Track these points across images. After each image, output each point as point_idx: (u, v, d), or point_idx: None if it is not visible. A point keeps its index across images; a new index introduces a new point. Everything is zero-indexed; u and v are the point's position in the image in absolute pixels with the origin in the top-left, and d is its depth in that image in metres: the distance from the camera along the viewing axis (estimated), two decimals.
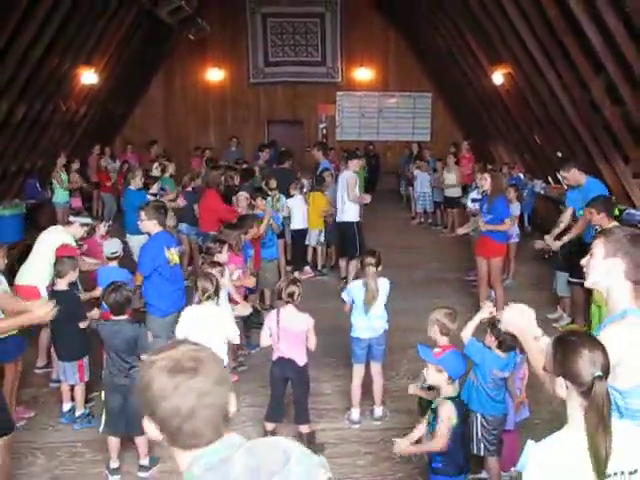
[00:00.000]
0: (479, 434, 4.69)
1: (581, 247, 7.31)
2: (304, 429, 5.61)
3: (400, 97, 20.57)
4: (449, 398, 4.31)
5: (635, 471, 2.40)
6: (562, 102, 11.27)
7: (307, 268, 10.83)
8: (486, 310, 4.45)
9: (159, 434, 1.83)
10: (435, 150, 17.48)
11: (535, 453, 2.45)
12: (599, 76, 9.78)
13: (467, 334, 4.62)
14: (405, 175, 17.30)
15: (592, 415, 2.38)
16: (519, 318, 3.20)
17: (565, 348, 2.52)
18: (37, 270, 6.61)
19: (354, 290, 6.07)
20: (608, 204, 7.07)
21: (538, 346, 3.05)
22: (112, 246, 6.86)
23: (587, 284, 3.30)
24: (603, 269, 3.09)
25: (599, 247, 3.12)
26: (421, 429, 4.53)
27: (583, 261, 3.23)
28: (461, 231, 9.30)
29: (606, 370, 2.45)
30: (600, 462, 2.32)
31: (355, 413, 6.24)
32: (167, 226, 7.33)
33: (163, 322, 6.34)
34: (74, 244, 6.99)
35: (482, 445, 4.71)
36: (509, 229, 8.93)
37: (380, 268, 6.04)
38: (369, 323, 6.05)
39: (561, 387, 2.51)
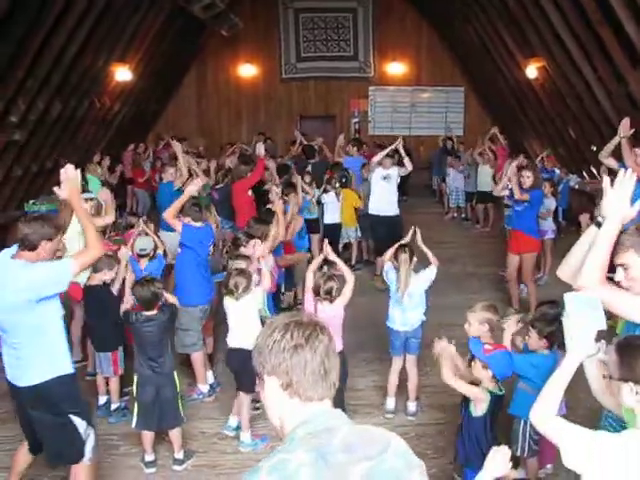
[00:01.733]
0: (526, 437, 4.65)
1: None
2: None
3: (433, 91, 20.45)
4: (490, 392, 4.28)
5: None
6: (598, 96, 11.11)
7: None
8: (513, 325, 4.52)
9: (280, 391, 1.91)
10: (467, 144, 17.33)
11: (602, 456, 2.41)
12: (637, 69, 9.62)
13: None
14: (438, 169, 17.16)
15: None
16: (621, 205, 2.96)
17: (632, 352, 2.47)
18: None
19: (389, 276, 6.13)
20: None
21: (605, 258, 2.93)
22: (142, 243, 6.81)
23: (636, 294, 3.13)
24: None
25: (633, 258, 3.02)
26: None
27: (617, 277, 3.09)
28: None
29: None
30: None
31: (390, 402, 6.26)
32: (213, 218, 7.44)
33: (192, 313, 6.41)
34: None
35: (526, 446, 4.67)
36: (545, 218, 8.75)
37: (415, 259, 6.03)
38: (404, 317, 6.06)
39: (630, 392, 2.45)
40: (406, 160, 10.16)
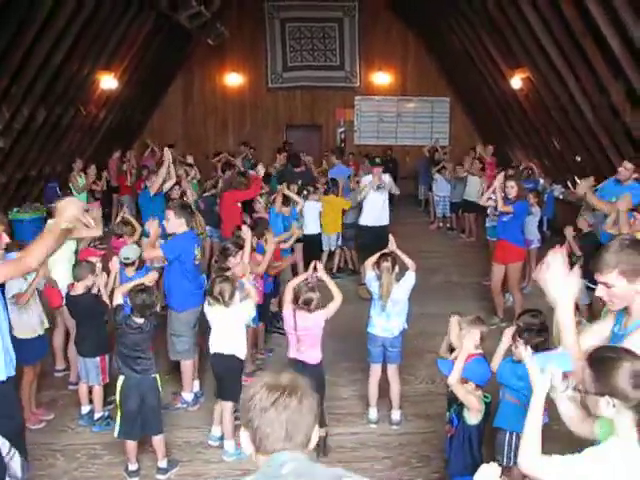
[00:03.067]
0: (512, 447, 4.66)
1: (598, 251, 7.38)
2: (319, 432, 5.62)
3: (418, 101, 20.51)
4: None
5: None
6: (581, 107, 11.22)
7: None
8: (507, 338, 4.56)
9: (250, 445, 2.07)
10: (453, 155, 17.44)
11: (585, 469, 2.44)
12: (618, 80, 9.72)
13: (495, 365, 4.62)
14: (425, 179, 17.24)
15: None
16: (562, 283, 2.98)
17: (605, 366, 2.49)
18: (58, 271, 6.65)
19: (371, 283, 6.13)
20: None
21: (574, 336, 2.94)
22: (127, 252, 6.79)
23: (616, 308, 3.19)
24: (632, 292, 3.04)
25: (617, 278, 3.03)
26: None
27: (598, 292, 3.12)
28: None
29: None
30: None
31: (372, 412, 6.28)
32: (198, 225, 7.44)
33: (184, 319, 6.40)
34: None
35: (512, 456, 4.69)
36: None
37: (397, 269, 6.06)
38: (386, 323, 6.08)
39: (607, 406, 2.47)
40: (393, 186, 10.32)
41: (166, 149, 9.80)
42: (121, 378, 5.33)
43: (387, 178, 10.32)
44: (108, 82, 13.98)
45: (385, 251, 6.26)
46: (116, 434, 5.35)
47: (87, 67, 12.68)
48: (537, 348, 4.56)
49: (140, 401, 5.25)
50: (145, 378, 5.30)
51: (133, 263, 6.71)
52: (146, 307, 5.35)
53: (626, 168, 7.97)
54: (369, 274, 6.20)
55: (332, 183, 11.29)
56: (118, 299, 5.58)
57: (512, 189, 8.53)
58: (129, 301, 5.47)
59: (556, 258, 2.90)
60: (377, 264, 6.06)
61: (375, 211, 10.24)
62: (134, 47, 14.35)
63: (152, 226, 6.66)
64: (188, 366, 6.53)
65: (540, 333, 4.53)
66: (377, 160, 10.68)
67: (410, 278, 6.10)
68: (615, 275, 3.03)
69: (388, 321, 6.08)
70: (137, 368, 5.29)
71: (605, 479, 2.39)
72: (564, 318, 2.93)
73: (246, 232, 6.89)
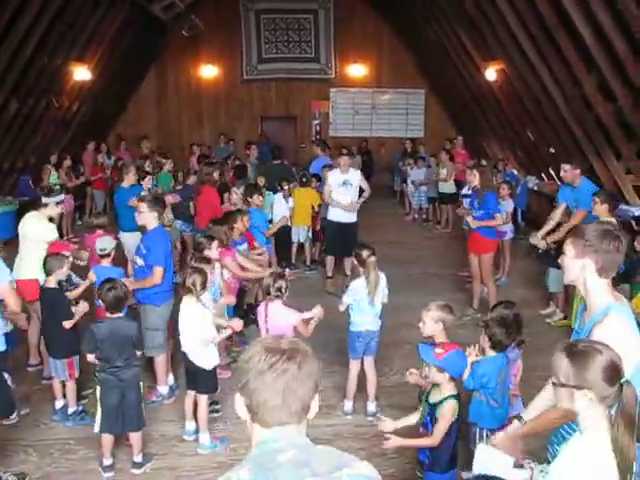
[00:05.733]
0: (484, 437, 4.70)
1: None
2: None
3: (393, 93, 20.55)
4: (451, 396, 4.30)
5: None
6: (555, 98, 11.30)
7: (287, 270, 9.64)
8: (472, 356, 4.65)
9: (245, 411, 1.97)
10: (428, 146, 17.52)
11: (560, 467, 2.50)
12: (591, 72, 9.80)
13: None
14: (399, 171, 17.30)
15: (622, 419, 2.42)
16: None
17: (581, 360, 2.50)
18: (33, 264, 6.59)
19: (359, 288, 6.06)
20: (614, 199, 7.34)
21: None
22: (102, 243, 6.76)
23: (565, 282, 3.33)
24: (576, 268, 3.13)
25: (569, 247, 3.15)
26: (411, 419, 4.53)
27: (560, 260, 3.24)
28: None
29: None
30: (628, 467, 2.37)
31: (348, 405, 6.31)
32: (167, 224, 7.39)
33: (159, 312, 6.36)
34: (52, 232, 7.00)
35: None
36: (500, 224, 8.92)
37: (375, 258, 6.07)
38: (373, 317, 6.10)
39: (583, 398, 2.49)
40: (364, 183, 10.20)
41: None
42: (101, 374, 5.28)
43: (357, 175, 10.06)
44: (81, 74, 13.84)
45: (366, 244, 6.26)
46: (97, 429, 5.29)
47: (60, 58, 12.54)
48: (500, 342, 4.62)
49: (121, 396, 5.22)
50: (125, 375, 5.26)
51: (109, 254, 6.68)
52: (119, 301, 5.31)
53: (564, 170, 8.14)
54: (357, 284, 6.13)
55: (305, 174, 11.32)
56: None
57: (474, 178, 8.65)
58: (101, 302, 5.44)
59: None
60: (361, 262, 6.05)
61: (341, 210, 9.97)
62: (108, 38, 14.21)
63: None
64: (162, 361, 6.50)
65: (509, 331, 4.60)
66: (344, 151, 10.40)
67: (383, 278, 6.14)
68: (569, 243, 3.15)
69: (373, 315, 6.10)
70: (120, 374, 5.24)
71: (580, 473, 2.42)
72: None
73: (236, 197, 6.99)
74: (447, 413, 4.21)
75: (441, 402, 4.24)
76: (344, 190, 9.88)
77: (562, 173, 8.18)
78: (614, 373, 2.45)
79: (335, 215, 10.05)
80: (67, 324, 5.92)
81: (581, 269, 3.10)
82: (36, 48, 10.99)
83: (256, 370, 1.91)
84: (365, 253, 6.00)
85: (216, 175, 9.99)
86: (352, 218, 10.05)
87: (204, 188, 9.58)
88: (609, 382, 2.44)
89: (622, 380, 2.44)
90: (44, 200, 7.17)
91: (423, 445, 4.34)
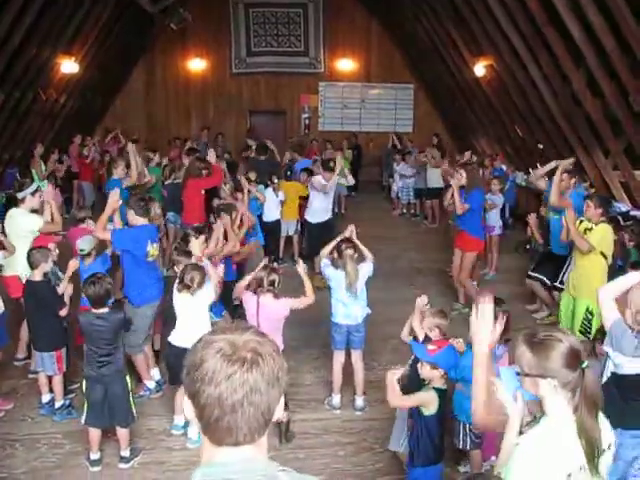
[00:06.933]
0: (467, 432, 4.74)
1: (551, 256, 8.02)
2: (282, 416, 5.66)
3: (382, 88, 20.53)
4: (437, 389, 4.32)
5: (609, 446, 2.54)
6: (543, 94, 11.32)
7: (275, 264, 9.90)
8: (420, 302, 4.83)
9: (196, 421, 1.67)
10: (417, 141, 17.55)
11: (524, 450, 2.51)
12: (580, 68, 9.84)
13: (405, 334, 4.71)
14: (388, 166, 17.32)
15: (585, 402, 2.47)
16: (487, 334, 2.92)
17: (542, 349, 2.55)
18: (17, 260, 6.57)
19: (331, 274, 6.10)
20: (608, 205, 7.24)
21: (484, 392, 2.90)
22: (82, 243, 6.61)
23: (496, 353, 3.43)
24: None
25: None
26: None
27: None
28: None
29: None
30: (594, 448, 2.43)
31: (336, 399, 6.32)
32: (153, 216, 7.32)
33: (137, 312, 6.32)
34: (39, 219, 6.98)
35: (468, 440, 4.76)
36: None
37: (356, 255, 6.08)
38: (348, 310, 6.10)
39: (548, 386, 2.53)
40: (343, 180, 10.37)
41: (129, 144, 9.79)
42: (86, 369, 5.27)
43: (333, 179, 10.06)
44: (68, 66, 13.74)
45: (344, 237, 6.29)
46: (83, 421, 5.30)
47: (47, 51, 12.44)
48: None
49: (104, 391, 5.21)
50: (108, 369, 5.24)
51: (89, 254, 6.59)
52: (100, 297, 5.28)
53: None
54: (323, 263, 6.20)
55: (290, 168, 11.47)
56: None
57: (461, 176, 8.71)
58: (84, 294, 5.42)
59: (487, 308, 2.91)
60: (338, 253, 6.07)
61: (318, 211, 10.22)
62: (95, 31, 14.12)
63: (112, 196, 6.62)
64: (139, 360, 6.47)
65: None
66: (330, 165, 10.20)
67: (368, 267, 6.15)
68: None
69: (349, 308, 6.09)
70: (105, 369, 5.23)
71: (546, 455, 2.45)
72: (477, 371, 2.89)
73: (218, 225, 6.95)
74: (424, 396, 4.26)
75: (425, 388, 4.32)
76: (323, 195, 10.13)
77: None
78: (574, 359, 2.51)
79: (312, 216, 10.26)
80: (63, 312, 5.95)
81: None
82: (23, 40, 10.90)
83: (208, 381, 1.60)
84: (343, 246, 6.07)
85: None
86: (327, 216, 10.31)
87: (188, 181, 9.53)
88: (570, 368, 2.49)
89: (583, 365, 2.50)
90: (19, 196, 7.14)
91: (391, 394, 4.20)
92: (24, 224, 6.84)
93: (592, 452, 2.43)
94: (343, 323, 6.13)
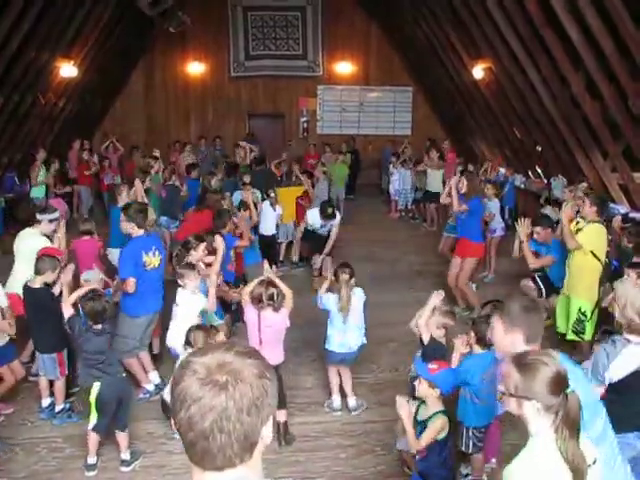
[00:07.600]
0: (469, 436, 4.74)
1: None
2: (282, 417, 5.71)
3: (381, 91, 20.53)
4: (441, 412, 4.35)
5: (594, 461, 2.56)
6: (542, 97, 11.33)
7: (274, 267, 9.77)
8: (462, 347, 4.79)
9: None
10: (415, 144, 17.58)
11: (513, 473, 2.54)
12: (579, 71, 9.84)
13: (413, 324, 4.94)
14: (387, 169, 17.33)
15: (566, 426, 2.50)
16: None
17: (528, 372, 2.61)
18: (17, 281, 6.56)
19: (328, 301, 6.11)
20: (604, 205, 7.28)
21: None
22: (87, 275, 6.60)
23: (498, 356, 3.53)
24: (507, 343, 3.29)
25: (498, 323, 3.34)
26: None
27: (488, 333, 3.47)
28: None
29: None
30: (578, 468, 2.44)
31: (336, 400, 6.33)
32: (149, 224, 7.27)
33: (133, 322, 6.32)
34: (49, 244, 6.97)
35: (470, 444, 4.77)
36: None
37: (353, 281, 6.09)
38: (344, 339, 6.10)
39: (531, 408, 2.58)
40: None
41: (137, 181, 9.38)
42: (96, 385, 5.22)
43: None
44: (68, 70, 13.73)
45: (342, 262, 6.37)
46: (91, 427, 5.28)
47: (46, 54, 12.43)
48: (485, 339, 4.66)
49: (118, 402, 5.25)
50: (120, 379, 5.31)
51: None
52: (97, 314, 5.28)
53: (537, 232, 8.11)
54: (322, 292, 6.20)
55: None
56: (69, 310, 5.50)
57: (462, 185, 8.75)
58: (82, 310, 5.43)
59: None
60: (335, 277, 6.10)
61: (315, 223, 10.03)
62: (94, 34, 14.11)
63: (66, 274, 6.17)
64: (132, 363, 6.45)
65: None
66: (329, 211, 9.92)
67: (360, 291, 6.17)
68: (496, 321, 3.44)
69: (344, 336, 6.09)
70: (109, 370, 5.25)
71: (531, 475, 2.49)
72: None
73: (219, 242, 6.91)
74: (437, 425, 4.29)
75: (431, 418, 4.33)
76: (322, 229, 10.05)
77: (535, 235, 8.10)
78: (559, 385, 2.56)
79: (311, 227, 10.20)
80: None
81: (512, 343, 3.25)
82: (21, 43, 10.89)
83: (180, 403, 1.55)
84: (340, 270, 6.10)
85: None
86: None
87: (205, 211, 9.05)
88: (554, 394, 2.55)
89: (567, 390, 2.55)
90: (38, 217, 7.20)
91: (411, 440, 4.32)
92: (33, 246, 6.79)
93: (579, 475, 2.45)
94: (337, 351, 6.15)
